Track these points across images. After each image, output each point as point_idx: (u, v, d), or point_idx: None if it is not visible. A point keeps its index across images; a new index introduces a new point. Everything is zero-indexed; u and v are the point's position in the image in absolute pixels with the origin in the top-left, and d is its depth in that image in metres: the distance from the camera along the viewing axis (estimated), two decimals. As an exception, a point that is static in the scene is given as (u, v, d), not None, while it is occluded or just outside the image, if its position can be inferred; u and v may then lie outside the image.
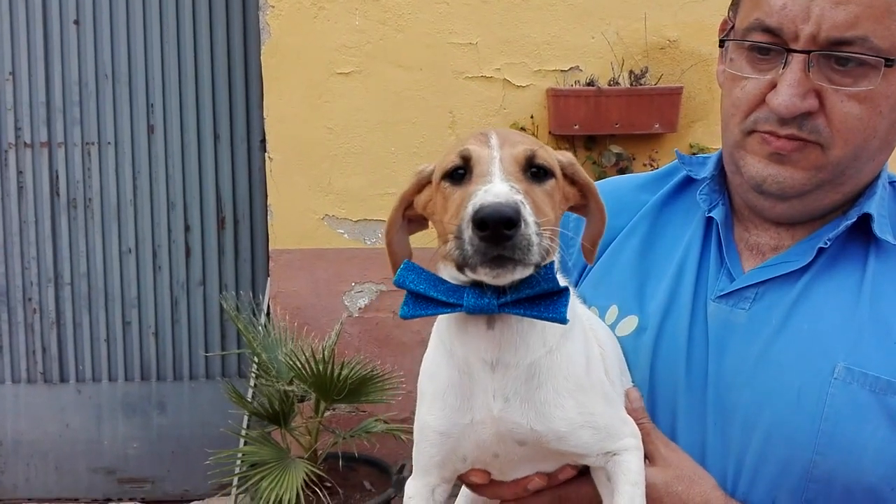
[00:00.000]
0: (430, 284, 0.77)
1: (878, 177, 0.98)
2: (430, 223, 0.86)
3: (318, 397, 3.08)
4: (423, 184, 0.82)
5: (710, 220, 0.99)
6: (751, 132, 0.94)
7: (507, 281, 0.72)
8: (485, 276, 0.71)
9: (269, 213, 3.80)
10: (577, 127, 3.50)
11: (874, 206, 0.96)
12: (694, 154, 3.66)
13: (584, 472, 0.88)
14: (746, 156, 0.94)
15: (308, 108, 3.74)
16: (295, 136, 3.75)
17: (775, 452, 0.87)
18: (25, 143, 4.04)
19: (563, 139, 3.58)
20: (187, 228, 4.13)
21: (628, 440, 0.84)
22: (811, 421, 0.86)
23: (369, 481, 3.27)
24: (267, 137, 3.78)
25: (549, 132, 3.62)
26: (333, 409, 3.58)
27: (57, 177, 4.06)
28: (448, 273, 0.79)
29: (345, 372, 2.95)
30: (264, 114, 3.77)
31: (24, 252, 4.09)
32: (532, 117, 3.66)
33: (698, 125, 3.73)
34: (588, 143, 3.60)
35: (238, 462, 3.13)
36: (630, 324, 0.97)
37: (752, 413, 0.89)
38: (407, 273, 0.78)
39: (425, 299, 0.77)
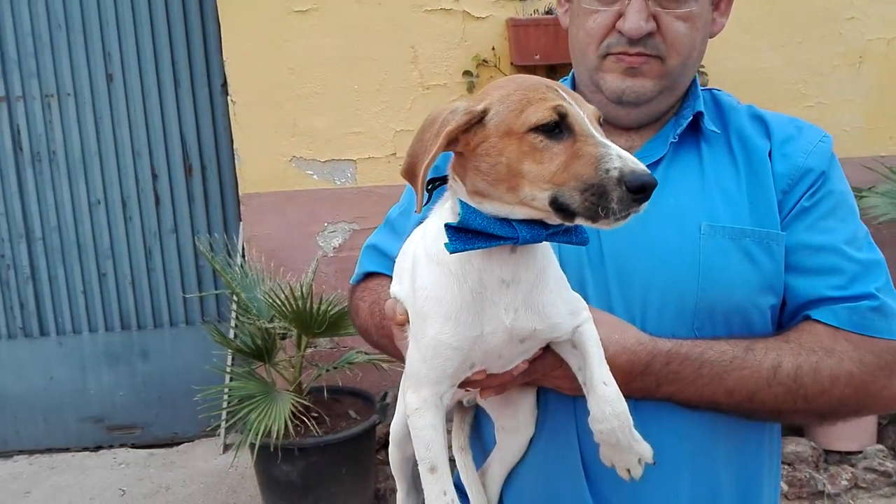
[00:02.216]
0: (487, 222, 0.87)
1: (693, 83, 1.21)
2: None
3: (299, 333, 3.16)
4: (472, 123, 0.86)
5: None
6: (605, 56, 1.13)
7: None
8: (605, 224, 0.81)
9: (236, 157, 3.82)
10: (537, 57, 3.54)
11: (701, 105, 1.19)
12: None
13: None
14: (605, 75, 1.14)
15: (267, 49, 3.72)
16: (256, 78, 3.74)
17: (671, 301, 1.09)
18: (-17, 99, 3.98)
19: (524, 70, 3.62)
20: (155, 177, 4.13)
21: (585, 312, 1.00)
22: (693, 269, 1.08)
23: (354, 410, 3.39)
24: (228, 80, 3.77)
25: (511, 63, 3.66)
26: (315, 347, 3.69)
27: (18, 131, 4.02)
28: (481, 209, 0.89)
29: (324, 307, 3.03)
30: (224, 56, 3.74)
31: (-7, 209, 4.07)
32: (493, 49, 3.69)
33: (656, 48, 3.80)
34: (549, 72, 3.64)
35: (225, 398, 3.22)
36: None
37: (646, 276, 1.09)
38: (467, 214, 0.87)
39: (474, 234, 0.86)
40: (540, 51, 3.53)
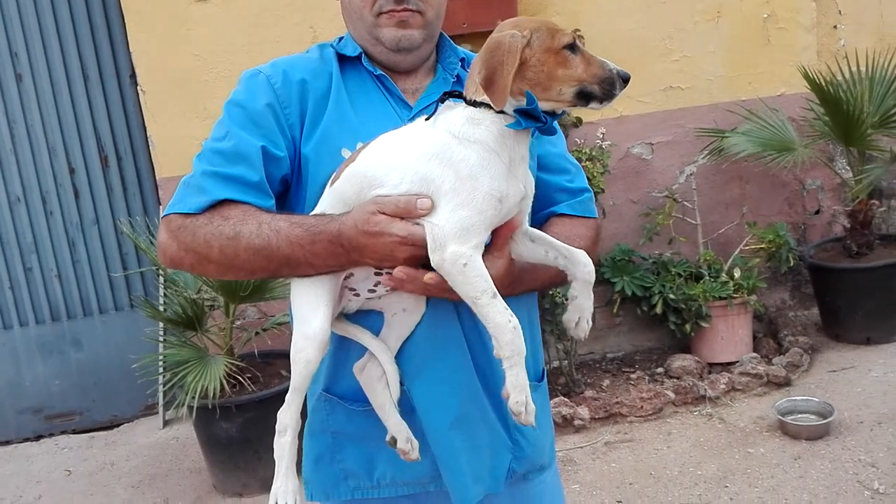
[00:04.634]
0: (539, 110, 1.21)
1: (441, 37, 1.53)
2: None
3: (226, 301, 3.39)
4: (524, 44, 1.20)
5: (380, 79, 1.47)
6: (379, 14, 1.42)
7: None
8: (604, 105, 1.23)
9: (150, 144, 3.99)
10: (465, 25, 3.81)
11: (461, 52, 1.52)
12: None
13: None
14: (382, 29, 1.42)
15: (173, 38, 3.91)
16: (164, 67, 3.92)
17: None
18: None
19: (455, 39, 3.90)
20: (72, 171, 4.27)
21: None
22: None
23: (286, 370, 3.64)
24: (136, 71, 3.94)
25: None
26: (244, 318, 3.92)
27: (-69, 134, 4.09)
28: (518, 104, 1.22)
29: (246, 272, 3.26)
30: (130, 48, 3.91)
31: (-89, 212, 4.13)
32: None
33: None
34: (479, 38, 3.92)
35: (161, 367, 3.42)
36: None
37: None
38: (530, 101, 1.21)
39: (531, 118, 1.21)
40: (468, 20, 3.81)
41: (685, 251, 4.21)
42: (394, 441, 1.36)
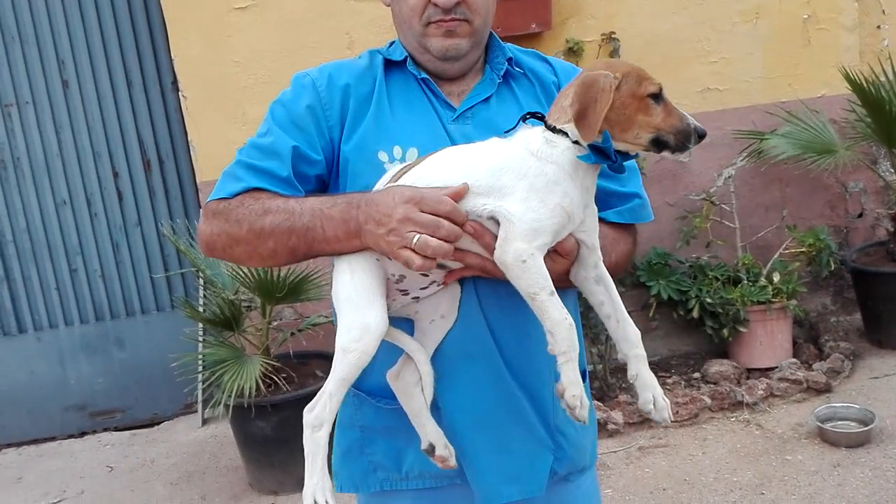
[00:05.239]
0: (612, 149, 1.26)
1: (492, 36, 1.55)
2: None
3: (263, 302, 3.45)
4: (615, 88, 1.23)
5: (424, 82, 1.50)
6: (427, 24, 1.45)
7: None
8: (679, 156, 1.30)
9: (191, 149, 4.08)
10: (499, 29, 3.82)
11: (509, 52, 1.54)
12: (570, 47, 4.07)
13: None
14: (430, 39, 1.44)
15: (213, 45, 3.99)
16: (204, 74, 4.00)
17: None
18: (-55, 112, 4.19)
19: None
20: (116, 175, 4.38)
21: None
22: None
23: (321, 370, 3.69)
24: (178, 78, 4.03)
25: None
26: (280, 319, 3.99)
27: (-19, 140, 4.24)
28: (595, 140, 1.25)
29: (283, 273, 3.32)
30: (172, 55, 4.00)
31: (-36, 214, 4.28)
32: (421, 29, 3.99)
33: (571, 21, 4.14)
34: (512, 41, 3.94)
35: (200, 365, 3.49)
36: (413, 154, 1.46)
37: None
38: (605, 140, 1.25)
39: (603, 155, 1.25)
40: (501, 23, 3.83)
41: (723, 255, 4.16)
42: (431, 448, 1.35)
